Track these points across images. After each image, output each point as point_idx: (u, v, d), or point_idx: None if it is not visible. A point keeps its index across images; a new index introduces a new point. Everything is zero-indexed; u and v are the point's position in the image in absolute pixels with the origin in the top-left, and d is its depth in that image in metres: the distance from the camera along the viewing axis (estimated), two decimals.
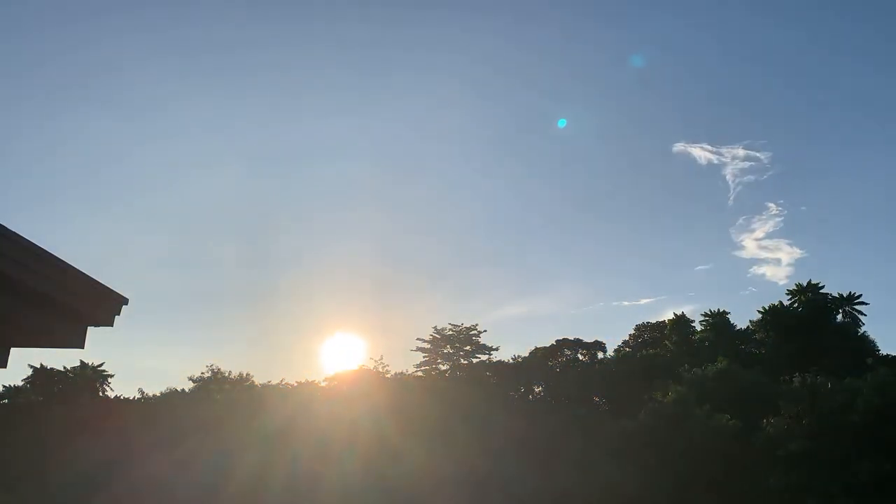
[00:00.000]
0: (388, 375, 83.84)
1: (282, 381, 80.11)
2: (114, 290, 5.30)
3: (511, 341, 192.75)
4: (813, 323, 78.80)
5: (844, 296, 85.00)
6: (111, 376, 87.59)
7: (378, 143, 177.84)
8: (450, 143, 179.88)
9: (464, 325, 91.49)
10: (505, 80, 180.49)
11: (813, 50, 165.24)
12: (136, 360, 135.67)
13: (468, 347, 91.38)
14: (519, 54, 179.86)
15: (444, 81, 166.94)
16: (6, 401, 75.13)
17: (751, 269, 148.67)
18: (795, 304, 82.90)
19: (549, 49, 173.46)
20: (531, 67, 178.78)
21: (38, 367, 79.84)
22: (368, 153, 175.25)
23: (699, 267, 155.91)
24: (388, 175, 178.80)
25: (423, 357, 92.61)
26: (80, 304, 5.11)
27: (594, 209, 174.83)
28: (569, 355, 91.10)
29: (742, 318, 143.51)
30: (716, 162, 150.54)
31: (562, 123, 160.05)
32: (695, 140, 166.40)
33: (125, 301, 5.39)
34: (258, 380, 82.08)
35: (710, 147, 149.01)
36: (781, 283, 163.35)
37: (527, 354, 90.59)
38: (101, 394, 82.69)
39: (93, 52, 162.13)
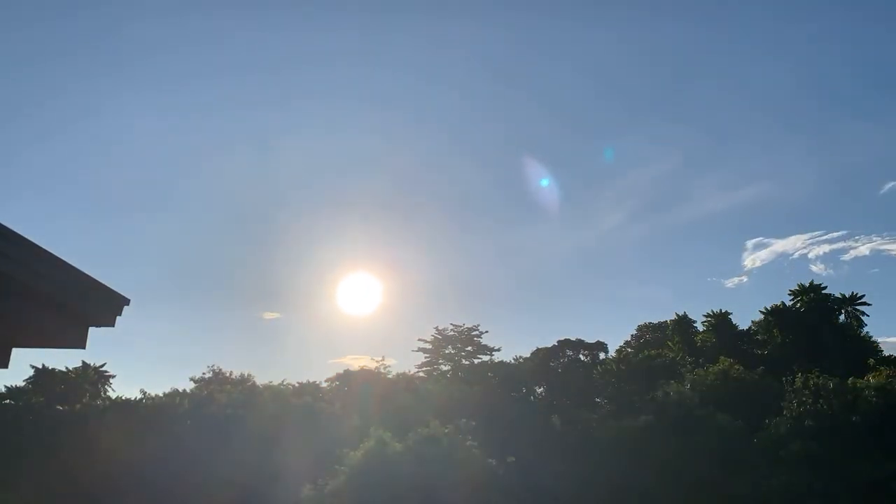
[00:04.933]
0: (390, 376, 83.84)
1: (283, 381, 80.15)
2: (115, 290, 5.29)
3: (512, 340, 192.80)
4: (815, 323, 78.69)
5: (847, 296, 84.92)
6: (113, 377, 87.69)
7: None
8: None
9: (465, 326, 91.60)
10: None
11: None
12: (137, 360, 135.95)
13: (470, 348, 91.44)
14: None
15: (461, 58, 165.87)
16: (8, 401, 75.10)
17: None
18: (798, 305, 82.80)
19: None
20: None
21: (40, 367, 79.92)
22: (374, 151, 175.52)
23: None
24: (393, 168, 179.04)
25: (425, 357, 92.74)
26: (81, 304, 5.10)
27: None
28: (570, 356, 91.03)
29: (744, 318, 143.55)
30: None
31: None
32: None
33: (126, 301, 5.38)
34: (259, 380, 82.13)
35: None
36: None
37: (528, 355, 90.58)
38: (102, 394, 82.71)
39: (90, 50, 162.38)
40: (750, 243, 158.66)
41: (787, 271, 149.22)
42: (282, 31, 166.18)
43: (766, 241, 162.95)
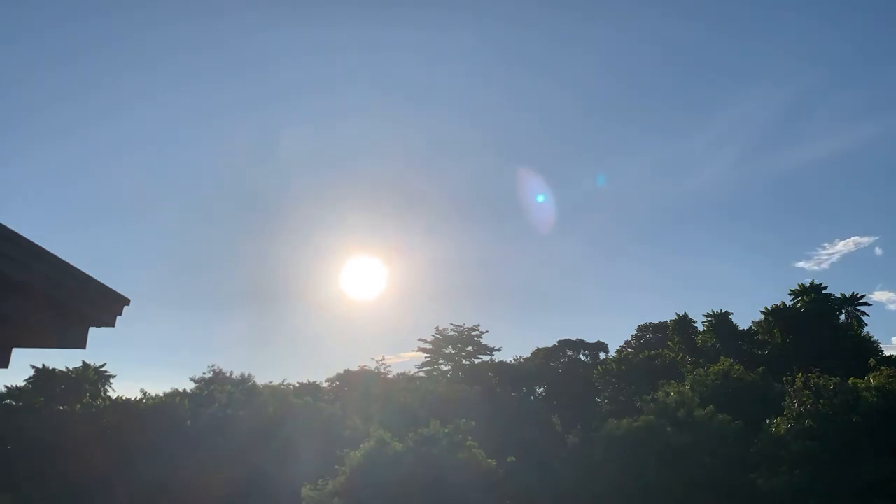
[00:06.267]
0: (390, 376, 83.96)
1: (283, 381, 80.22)
2: (115, 290, 5.29)
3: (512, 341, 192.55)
4: (816, 323, 78.67)
5: (847, 296, 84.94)
6: (113, 377, 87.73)
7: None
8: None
9: (465, 326, 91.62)
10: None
11: None
12: (137, 360, 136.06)
13: (470, 348, 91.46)
14: None
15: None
16: (8, 401, 75.10)
17: None
18: (798, 305, 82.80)
19: None
20: None
21: (41, 367, 79.92)
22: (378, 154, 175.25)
23: None
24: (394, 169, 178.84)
25: (426, 357, 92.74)
26: (81, 304, 5.09)
27: None
28: (571, 356, 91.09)
29: (745, 318, 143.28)
30: None
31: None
32: None
33: (127, 301, 5.37)
34: (260, 380, 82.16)
35: None
36: None
37: (528, 355, 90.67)
38: (102, 394, 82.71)
39: (91, 55, 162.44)
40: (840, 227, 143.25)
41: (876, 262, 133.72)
42: (285, 26, 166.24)
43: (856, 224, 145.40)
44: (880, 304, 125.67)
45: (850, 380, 54.52)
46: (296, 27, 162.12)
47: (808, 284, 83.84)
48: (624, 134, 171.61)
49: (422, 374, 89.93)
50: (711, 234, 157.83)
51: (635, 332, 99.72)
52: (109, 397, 79.90)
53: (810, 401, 53.36)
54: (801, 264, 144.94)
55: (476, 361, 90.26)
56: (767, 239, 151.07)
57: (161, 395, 75.86)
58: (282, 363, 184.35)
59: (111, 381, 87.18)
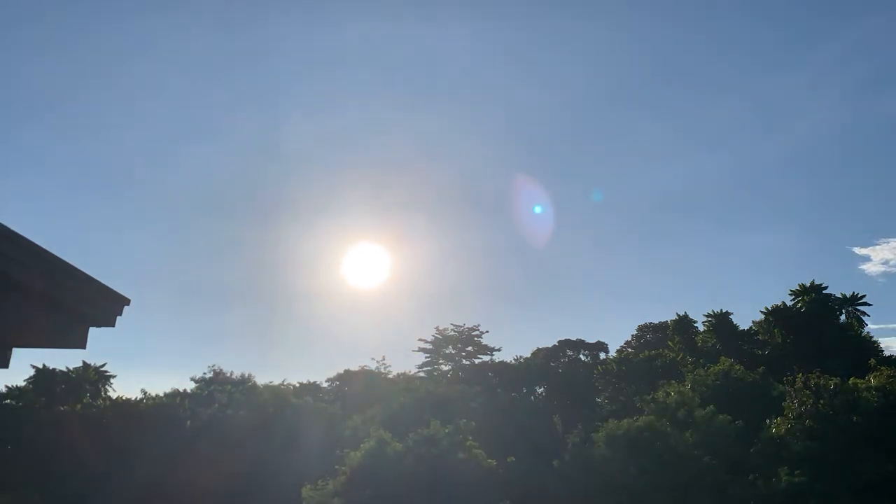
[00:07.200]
0: (391, 376, 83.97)
1: (283, 381, 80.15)
2: (115, 290, 5.28)
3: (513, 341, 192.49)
4: (816, 323, 78.66)
5: (848, 296, 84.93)
6: (113, 377, 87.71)
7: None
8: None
9: (465, 326, 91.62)
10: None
11: None
12: (137, 360, 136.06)
13: (470, 348, 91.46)
14: None
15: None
16: (8, 401, 75.08)
17: None
18: (799, 305, 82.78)
19: None
20: None
21: (40, 367, 79.93)
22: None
23: None
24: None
25: (426, 357, 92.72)
26: (81, 304, 5.09)
27: None
28: (571, 356, 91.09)
29: (745, 318, 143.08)
30: None
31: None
32: None
33: (127, 301, 5.37)
34: (260, 380, 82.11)
35: None
36: None
37: (529, 355, 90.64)
38: (102, 394, 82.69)
39: (95, 52, 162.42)
40: None
41: None
42: (287, 16, 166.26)
43: None
44: None
45: (851, 380, 54.50)
46: (298, 18, 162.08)
47: (808, 284, 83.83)
48: (629, 132, 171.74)
49: (422, 374, 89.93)
50: (711, 226, 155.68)
51: (635, 332, 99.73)
52: (109, 397, 79.90)
53: (810, 401, 53.34)
54: (865, 251, 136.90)
55: (476, 361, 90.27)
56: (825, 223, 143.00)
57: (161, 395, 75.86)
58: (282, 363, 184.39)
59: (111, 381, 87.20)
